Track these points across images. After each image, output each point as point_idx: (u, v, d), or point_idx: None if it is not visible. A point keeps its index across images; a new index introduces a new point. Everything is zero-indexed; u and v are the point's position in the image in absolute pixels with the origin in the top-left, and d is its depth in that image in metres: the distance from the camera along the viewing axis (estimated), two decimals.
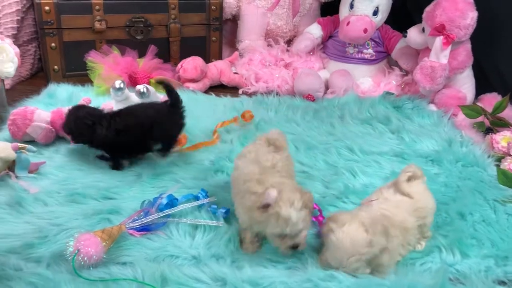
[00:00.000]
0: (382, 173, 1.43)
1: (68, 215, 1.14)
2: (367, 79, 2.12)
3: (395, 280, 0.95)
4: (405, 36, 1.99)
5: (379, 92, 2.03)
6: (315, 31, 2.23)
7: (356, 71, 2.14)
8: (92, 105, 1.68)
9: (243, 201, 1.01)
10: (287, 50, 2.28)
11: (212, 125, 1.68)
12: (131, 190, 1.27)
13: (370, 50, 2.15)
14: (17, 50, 1.63)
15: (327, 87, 2.09)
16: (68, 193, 1.23)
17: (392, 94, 1.99)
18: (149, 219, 1.09)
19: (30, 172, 1.31)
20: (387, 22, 2.15)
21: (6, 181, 1.26)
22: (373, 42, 2.14)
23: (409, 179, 1.08)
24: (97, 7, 1.96)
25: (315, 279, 0.94)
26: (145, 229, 1.09)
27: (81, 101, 1.76)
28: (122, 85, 1.60)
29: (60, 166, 1.37)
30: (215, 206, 1.18)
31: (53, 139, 1.49)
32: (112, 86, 1.61)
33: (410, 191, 1.06)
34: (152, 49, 2.01)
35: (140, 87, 1.61)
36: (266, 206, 0.95)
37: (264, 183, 0.99)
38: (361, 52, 2.15)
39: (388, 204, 1.04)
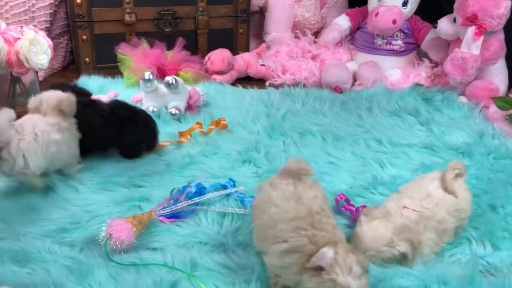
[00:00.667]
0: (411, 164, 1.41)
1: (99, 202, 1.17)
2: (395, 71, 2.10)
3: (423, 270, 0.94)
4: (436, 27, 1.95)
5: (408, 84, 2.00)
6: (343, 22, 2.21)
7: (384, 62, 2.12)
8: (121, 96, 1.72)
9: (277, 248, 0.84)
10: (315, 42, 2.27)
11: (239, 117, 1.69)
12: (160, 179, 1.29)
13: (399, 42, 2.12)
14: (50, 42, 1.67)
15: (355, 79, 2.07)
16: (99, 181, 1.26)
17: (422, 85, 1.96)
18: (179, 207, 1.11)
19: None
20: (416, 12, 2.12)
21: None
22: (402, 34, 2.11)
23: (456, 177, 1.05)
24: (127, 0, 1.99)
25: None
26: (174, 216, 1.11)
27: (109, 93, 1.79)
28: (151, 77, 1.63)
29: (91, 155, 1.40)
30: (243, 195, 1.19)
31: None
32: (141, 78, 1.64)
33: (456, 190, 1.03)
34: (180, 41, 2.03)
35: (169, 79, 1.63)
36: (318, 269, 0.78)
37: (317, 241, 0.81)
38: (390, 44, 2.13)
39: (429, 201, 1.01)
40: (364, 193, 1.26)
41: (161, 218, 1.10)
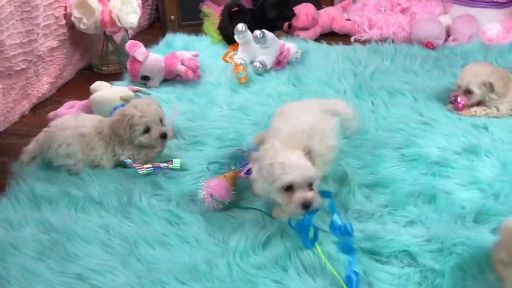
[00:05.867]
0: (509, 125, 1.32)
1: (192, 160, 1.21)
2: (495, 25, 1.94)
3: None
4: None
5: (509, 39, 1.85)
6: None
7: (482, 16, 1.96)
8: (204, 54, 1.75)
9: None
10: None
11: (324, 75, 1.65)
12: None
13: None
14: (139, 1, 1.72)
15: (448, 34, 1.94)
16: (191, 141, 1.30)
17: None
18: None
19: None
20: None
21: None
22: None
23: None
24: None
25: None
26: None
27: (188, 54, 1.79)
28: (243, 28, 1.67)
29: (183, 112, 1.44)
30: None
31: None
32: (235, 29, 1.68)
33: None
34: None
35: (257, 32, 1.66)
36: None
37: None
38: None
39: None
40: (457, 159, 1.18)
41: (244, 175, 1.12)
